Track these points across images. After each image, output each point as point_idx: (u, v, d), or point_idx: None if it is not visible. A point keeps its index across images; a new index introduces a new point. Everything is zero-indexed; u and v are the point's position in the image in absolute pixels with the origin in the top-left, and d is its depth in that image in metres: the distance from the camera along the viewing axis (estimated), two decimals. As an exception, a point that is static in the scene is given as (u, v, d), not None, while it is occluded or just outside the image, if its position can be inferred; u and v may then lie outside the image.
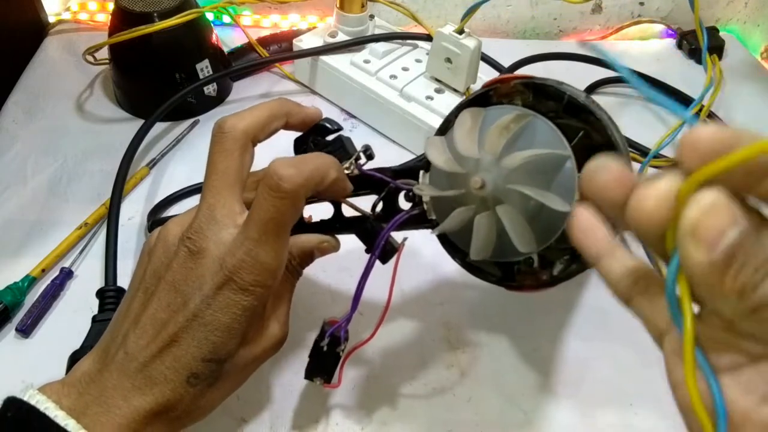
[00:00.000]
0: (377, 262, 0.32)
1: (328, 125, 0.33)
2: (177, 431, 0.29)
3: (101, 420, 0.26)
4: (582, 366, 0.41)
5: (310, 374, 0.34)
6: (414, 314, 0.43)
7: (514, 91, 0.29)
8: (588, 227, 0.24)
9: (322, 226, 0.35)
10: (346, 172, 0.32)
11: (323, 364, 0.33)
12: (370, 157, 0.33)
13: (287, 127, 0.33)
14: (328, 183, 0.29)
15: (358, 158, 0.33)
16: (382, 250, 0.32)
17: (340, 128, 0.33)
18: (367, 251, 0.33)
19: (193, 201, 0.50)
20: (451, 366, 0.41)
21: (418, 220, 0.32)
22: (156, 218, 0.47)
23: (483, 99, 0.31)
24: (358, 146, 0.33)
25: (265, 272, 0.28)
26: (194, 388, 0.28)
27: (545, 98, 0.29)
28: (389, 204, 0.34)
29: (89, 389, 0.27)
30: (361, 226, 0.33)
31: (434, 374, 0.40)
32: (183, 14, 0.52)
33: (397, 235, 0.33)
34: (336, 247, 0.35)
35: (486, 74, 0.56)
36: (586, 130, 0.28)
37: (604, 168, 0.21)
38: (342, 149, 0.32)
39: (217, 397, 0.30)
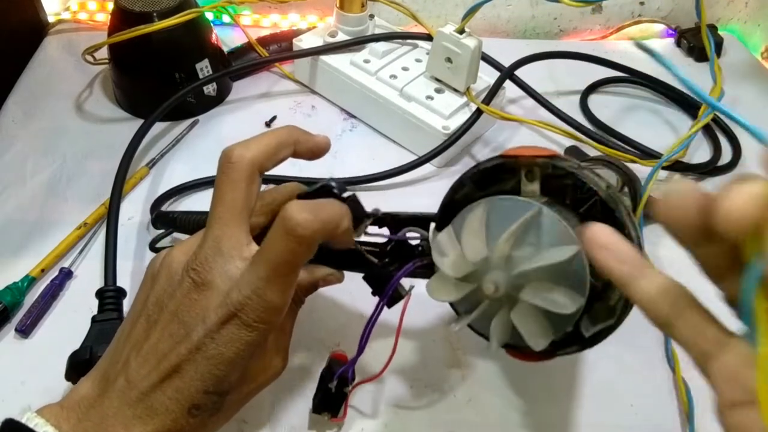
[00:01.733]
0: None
1: (332, 184, 0.31)
2: None
3: None
4: (582, 367, 0.41)
5: (318, 409, 0.35)
6: (415, 315, 0.43)
7: (534, 163, 0.29)
8: (611, 243, 0.23)
9: (330, 256, 0.35)
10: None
11: (331, 402, 0.35)
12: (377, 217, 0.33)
13: (295, 155, 0.32)
14: (339, 233, 0.29)
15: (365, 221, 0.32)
16: (390, 297, 0.33)
17: (345, 190, 0.31)
18: (373, 294, 0.33)
19: (194, 199, 0.50)
20: (452, 367, 0.41)
21: (426, 269, 0.32)
22: (160, 212, 0.46)
23: (498, 168, 0.30)
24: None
25: (271, 310, 0.27)
26: (195, 419, 0.28)
27: (564, 178, 0.28)
28: (398, 248, 0.34)
29: (89, 415, 0.27)
30: (370, 272, 0.34)
31: (435, 375, 0.40)
32: (182, 14, 0.52)
33: (404, 279, 0.33)
34: (340, 279, 0.35)
35: (486, 74, 0.56)
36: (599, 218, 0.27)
37: (687, 190, 0.20)
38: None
39: (217, 425, 0.30)
